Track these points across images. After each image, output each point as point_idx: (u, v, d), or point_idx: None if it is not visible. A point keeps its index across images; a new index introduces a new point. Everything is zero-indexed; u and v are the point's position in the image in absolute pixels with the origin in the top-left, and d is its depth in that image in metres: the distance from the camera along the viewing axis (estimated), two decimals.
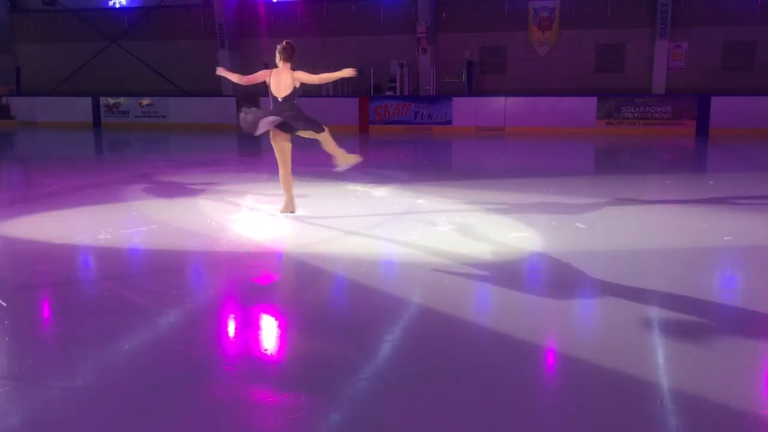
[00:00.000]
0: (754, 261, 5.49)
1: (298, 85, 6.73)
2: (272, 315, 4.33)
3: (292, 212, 6.99)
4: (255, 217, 7.07)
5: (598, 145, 17.06)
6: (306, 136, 6.93)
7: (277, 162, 6.91)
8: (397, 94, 21.97)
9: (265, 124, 6.61)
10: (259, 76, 6.81)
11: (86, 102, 23.20)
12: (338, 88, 23.31)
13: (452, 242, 6.04)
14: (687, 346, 3.55)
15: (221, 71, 7.02)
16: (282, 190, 7.01)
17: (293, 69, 6.75)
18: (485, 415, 2.85)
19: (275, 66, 6.82)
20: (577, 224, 6.68)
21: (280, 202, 7.10)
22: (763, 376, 3.28)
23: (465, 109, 20.17)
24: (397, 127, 20.51)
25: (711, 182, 10.41)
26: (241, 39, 24.25)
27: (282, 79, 6.71)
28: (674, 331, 3.79)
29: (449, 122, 20.21)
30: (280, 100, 6.71)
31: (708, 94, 18.77)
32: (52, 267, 5.27)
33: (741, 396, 2.99)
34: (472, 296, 4.59)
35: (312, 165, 9.41)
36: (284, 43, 6.80)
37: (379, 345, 3.62)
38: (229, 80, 6.93)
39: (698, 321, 3.96)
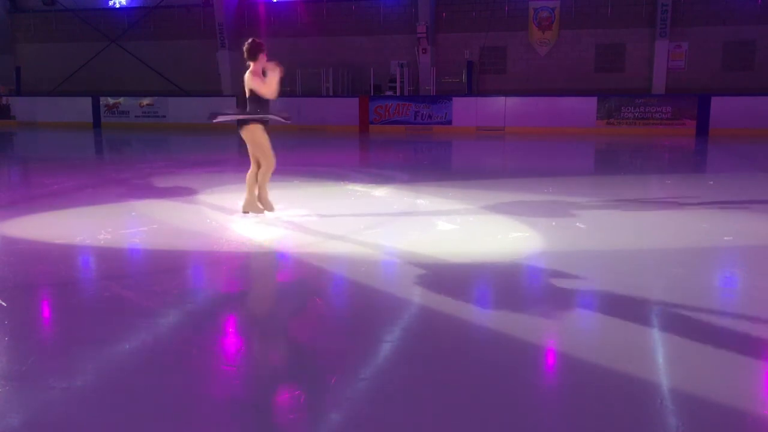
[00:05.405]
0: (754, 261, 5.49)
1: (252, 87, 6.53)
2: (272, 315, 4.33)
3: (259, 212, 6.89)
4: (255, 217, 7.06)
5: (598, 145, 17.06)
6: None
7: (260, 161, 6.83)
8: (397, 94, 21.98)
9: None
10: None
11: (86, 102, 23.21)
12: (338, 88, 23.34)
13: (452, 242, 6.04)
14: (687, 346, 3.55)
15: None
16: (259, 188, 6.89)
17: (263, 69, 6.55)
18: (485, 414, 2.85)
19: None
20: (577, 224, 6.68)
21: (279, 202, 7.10)
22: (763, 376, 3.28)
23: (465, 109, 20.18)
24: (397, 127, 20.52)
25: (711, 182, 10.41)
26: (241, 39, 24.13)
27: (268, 80, 6.56)
28: (674, 331, 3.79)
29: (449, 122, 20.22)
30: (266, 99, 6.60)
31: (708, 94, 18.77)
32: (52, 267, 5.27)
33: (741, 396, 2.99)
34: (472, 296, 4.59)
35: (313, 165, 9.40)
36: (249, 41, 6.62)
37: (379, 345, 3.62)
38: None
39: (698, 321, 3.96)
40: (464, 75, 22.26)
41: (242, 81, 6.63)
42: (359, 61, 23.38)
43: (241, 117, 6.70)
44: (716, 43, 20.79)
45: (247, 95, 6.61)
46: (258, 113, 6.60)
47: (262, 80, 6.51)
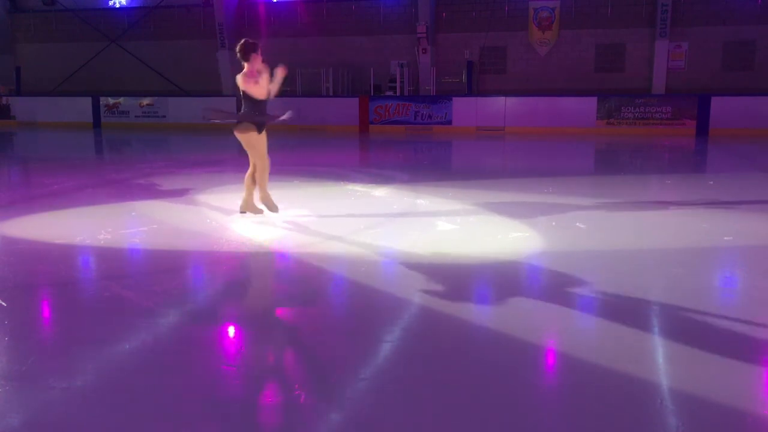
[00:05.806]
0: (754, 261, 5.49)
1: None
2: (272, 315, 4.33)
3: (258, 213, 6.86)
4: (255, 217, 7.07)
5: (598, 145, 17.06)
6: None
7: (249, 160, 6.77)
8: (397, 94, 21.98)
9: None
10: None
11: (86, 102, 23.21)
12: (338, 88, 23.34)
13: (452, 242, 6.04)
14: (687, 346, 3.55)
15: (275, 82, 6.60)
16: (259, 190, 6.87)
17: (258, 70, 6.55)
18: (485, 414, 2.85)
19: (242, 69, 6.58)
20: (577, 224, 6.68)
21: (279, 203, 7.08)
22: (763, 376, 3.28)
23: (465, 109, 20.18)
24: (397, 127, 20.52)
25: (711, 182, 10.41)
26: (241, 39, 24.21)
27: (262, 81, 6.51)
28: (674, 331, 3.79)
29: (449, 122, 20.22)
30: (260, 99, 6.52)
31: (708, 94, 18.77)
32: (52, 267, 5.27)
33: (741, 396, 2.99)
34: (472, 296, 4.59)
35: (313, 165, 9.40)
36: (241, 42, 6.60)
37: (379, 345, 3.61)
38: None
39: (698, 321, 3.96)
40: (464, 75, 22.26)
41: (258, 84, 6.54)
42: (359, 61, 23.39)
43: (231, 120, 6.68)
44: (716, 43, 20.79)
45: (241, 96, 6.61)
46: (252, 114, 6.57)
47: (255, 81, 6.49)
